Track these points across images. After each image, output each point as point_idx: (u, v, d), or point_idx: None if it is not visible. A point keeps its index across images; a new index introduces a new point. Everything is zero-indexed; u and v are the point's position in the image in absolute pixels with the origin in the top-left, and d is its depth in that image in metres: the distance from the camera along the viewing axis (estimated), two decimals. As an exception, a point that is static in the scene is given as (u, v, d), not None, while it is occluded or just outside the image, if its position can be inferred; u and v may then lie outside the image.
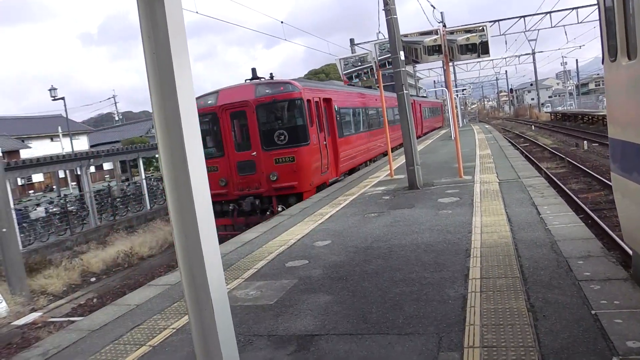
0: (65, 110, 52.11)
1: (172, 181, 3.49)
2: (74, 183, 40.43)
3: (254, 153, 16.71)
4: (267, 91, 16.74)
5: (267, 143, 16.65)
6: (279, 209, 16.28)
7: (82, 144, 61.19)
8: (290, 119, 16.83)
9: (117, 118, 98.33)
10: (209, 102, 17.23)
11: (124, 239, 22.66)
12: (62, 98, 48.77)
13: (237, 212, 16.93)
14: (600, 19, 6.60)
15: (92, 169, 43.76)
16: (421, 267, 7.57)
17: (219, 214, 16.73)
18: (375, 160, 26.75)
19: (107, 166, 59.45)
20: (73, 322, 9.47)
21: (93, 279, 18.04)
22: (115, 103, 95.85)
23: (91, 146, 61.92)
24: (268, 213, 16.44)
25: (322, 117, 18.65)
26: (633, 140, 5.56)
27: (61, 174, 41.86)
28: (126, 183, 34.31)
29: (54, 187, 37.76)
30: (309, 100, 17.23)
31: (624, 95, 5.98)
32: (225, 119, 16.86)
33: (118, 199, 29.41)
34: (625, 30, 5.60)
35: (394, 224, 10.72)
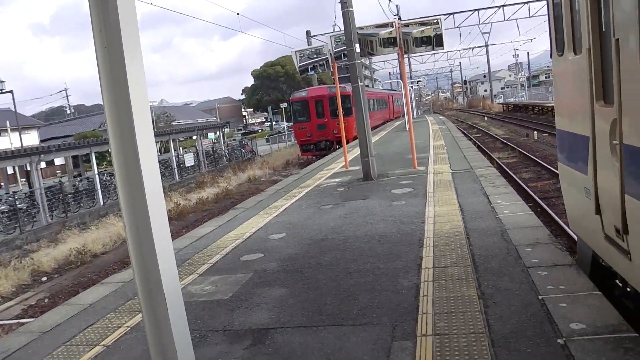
0: (14, 104, 50.63)
1: (124, 176, 3.45)
2: (24, 179, 39.40)
3: (326, 120, 33.44)
4: (332, 90, 27.20)
5: (332, 115, 31.59)
6: (337, 146, 31.15)
7: (32, 138, 59.55)
8: (343, 104, 24.20)
9: (69, 112, 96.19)
10: (303, 94, 35.68)
11: (76, 236, 22.17)
12: (11, 91, 47.47)
13: (315, 148, 34.11)
14: (548, 14, 6.75)
15: (43, 164, 42.71)
16: (375, 257, 7.64)
17: (307, 150, 35.14)
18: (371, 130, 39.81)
19: (58, 161, 58.23)
20: (23, 324, 9.28)
21: (44, 279, 17.61)
22: (67, 96, 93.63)
23: (42, 141, 60.34)
24: (331, 149, 31.91)
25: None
26: (578, 131, 5.72)
27: (10, 170, 40.74)
28: (78, 178, 33.58)
29: (2, 184, 36.69)
30: (350, 95, 24.88)
31: (570, 88, 6.14)
32: (312, 103, 33.29)
33: (70, 195, 28.77)
34: (571, 26, 5.74)
35: (349, 215, 10.79)
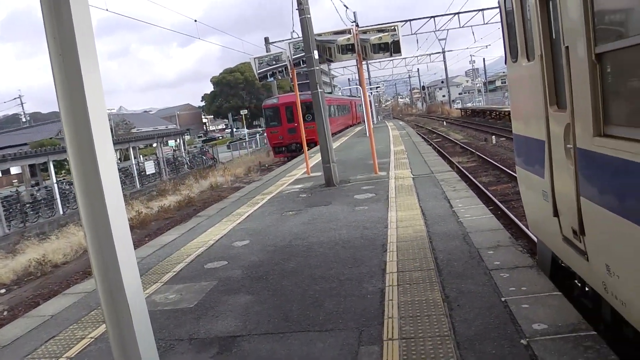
0: (-35, 113, 49.26)
1: (83, 185, 3.40)
2: (-22, 190, 38.39)
3: (296, 124, 31.61)
4: (305, 100, 27.10)
5: (306, 119, 29.53)
6: (312, 146, 31.39)
7: (-16, 147, 58.17)
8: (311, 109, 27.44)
9: (24, 119, 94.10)
10: (274, 101, 39.26)
11: (36, 246, 21.67)
12: (-39, 100, 46.27)
13: (287, 150, 36.78)
14: (502, 22, 6.91)
15: (-2, 173, 41.69)
16: (340, 263, 7.69)
17: (279, 152, 38.32)
18: (335, 134, 44.12)
19: (14, 170, 56.83)
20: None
21: (2, 291, 17.19)
22: (22, 103, 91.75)
23: (-4, 150, 58.95)
24: (301, 150, 29.69)
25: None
26: (534, 136, 5.86)
27: (-37, 181, 39.71)
28: (36, 188, 32.86)
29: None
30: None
31: (525, 94, 6.29)
32: (282, 109, 35.58)
33: (28, 205, 28.14)
34: (524, 33, 5.89)
35: (312, 221, 10.83)
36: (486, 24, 48.23)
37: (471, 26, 51.18)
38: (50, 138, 62.27)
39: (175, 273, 8.35)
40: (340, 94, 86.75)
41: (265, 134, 48.04)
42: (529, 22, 5.68)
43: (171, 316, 6.46)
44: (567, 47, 4.48)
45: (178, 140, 55.76)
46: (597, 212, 4.21)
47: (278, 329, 5.67)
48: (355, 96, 73.37)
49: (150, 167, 40.61)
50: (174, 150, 53.05)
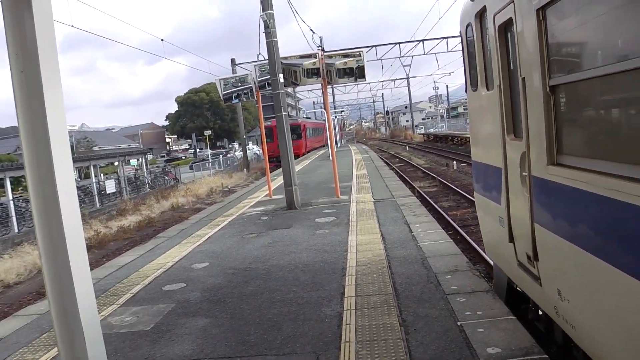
0: None
1: (40, 202, 3.35)
2: None
3: None
4: (291, 123, 30.75)
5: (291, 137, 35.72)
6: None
7: (-61, 163, 56.59)
8: (297, 131, 46.88)
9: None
10: (269, 124, 37.73)
11: (-14, 265, 21.13)
12: None
13: (276, 160, 34.07)
14: (463, 52, 7.07)
15: (-48, 190, 40.53)
16: (299, 287, 7.68)
17: (271, 161, 33.73)
18: (310, 150, 56.28)
19: (-32, 187, 55.45)
20: None
21: (-51, 312, 16.70)
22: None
23: (-50, 166, 57.38)
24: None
25: (305, 131, 52.60)
26: (491, 162, 6.00)
27: None
28: (-9, 205, 32.04)
29: None
30: (303, 125, 53.32)
31: (484, 122, 6.43)
32: (274, 130, 30.55)
33: (-19, 223, 27.46)
34: (483, 63, 6.05)
35: (273, 244, 10.81)
36: (450, 51, 49.05)
37: (435, 53, 52.04)
38: (8, 153, 61.00)
39: (132, 295, 8.23)
40: (304, 116, 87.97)
41: (227, 155, 60.93)
42: (488, 53, 5.84)
43: (127, 339, 6.36)
44: (523, 79, 4.62)
45: (140, 159, 55.11)
46: (549, 239, 4.32)
47: (235, 353, 5.63)
48: (319, 119, 74.93)
49: (110, 186, 40.01)
50: (136, 170, 52.40)
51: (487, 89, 5.96)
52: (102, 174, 47.76)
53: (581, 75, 3.80)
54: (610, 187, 3.24)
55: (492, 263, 7.71)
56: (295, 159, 40.44)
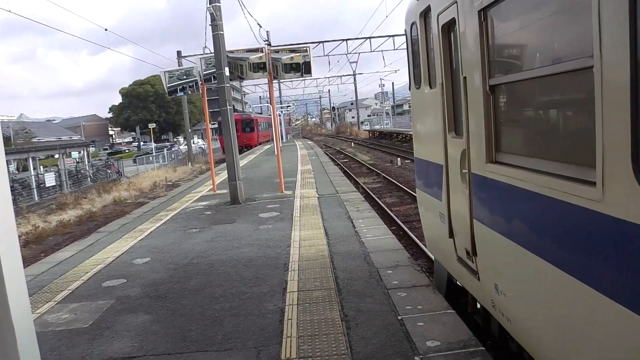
0: None
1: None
2: None
3: (238, 134, 31.40)
4: (243, 116, 59.37)
5: (245, 130, 54.54)
6: (245, 149, 49.26)
7: None
8: (250, 125, 57.67)
9: None
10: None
11: None
12: None
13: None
14: (407, 50, 7.15)
15: None
16: (241, 282, 7.65)
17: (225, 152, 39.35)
18: (262, 142, 61.78)
19: None
20: None
21: None
22: None
23: None
24: (241, 151, 38.65)
25: (257, 125, 59.18)
26: (433, 159, 6.10)
27: None
28: None
29: None
30: (255, 120, 60.08)
31: (426, 119, 6.53)
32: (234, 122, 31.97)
33: None
34: (427, 61, 6.13)
35: (215, 239, 10.73)
36: (396, 49, 49.50)
37: (382, 51, 52.46)
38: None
39: (70, 291, 8.03)
40: (251, 110, 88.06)
41: (172, 149, 63.48)
42: (432, 52, 5.92)
43: (64, 337, 6.19)
44: (464, 78, 4.71)
45: (82, 151, 53.92)
46: (487, 235, 4.42)
47: (176, 349, 5.57)
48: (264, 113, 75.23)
49: (50, 179, 38.99)
50: (77, 162, 51.24)
51: (430, 87, 6.05)
52: (41, 167, 46.56)
53: (519, 76, 3.90)
54: (543, 185, 3.34)
55: (433, 258, 7.84)
56: (249, 149, 52.17)
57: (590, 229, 2.88)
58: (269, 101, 68.53)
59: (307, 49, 16.50)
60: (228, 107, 15.65)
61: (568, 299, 3.18)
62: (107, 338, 6.04)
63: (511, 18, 4.00)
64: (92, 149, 66.95)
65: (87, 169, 48.28)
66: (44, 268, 9.74)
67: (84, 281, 8.52)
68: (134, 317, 6.63)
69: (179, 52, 49.34)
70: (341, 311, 6.14)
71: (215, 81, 16.25)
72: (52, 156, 54.16)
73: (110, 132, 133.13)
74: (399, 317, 5.79)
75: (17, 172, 45.55)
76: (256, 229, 11.35)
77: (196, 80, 17.61)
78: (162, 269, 8.77)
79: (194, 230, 11.98)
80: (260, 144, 60.11)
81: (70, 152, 52.61)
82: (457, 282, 6.11)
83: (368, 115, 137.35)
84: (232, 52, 16.12)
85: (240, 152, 50.58)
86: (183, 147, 66.58)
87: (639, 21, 2.35)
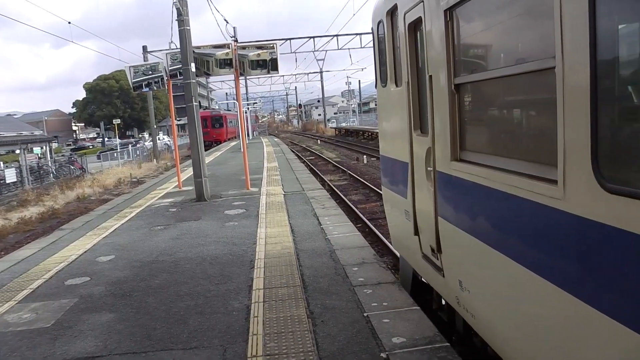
0: None
1: None
2: None
3: (208, 129, 53.13)
4: (213, 113, 63.82)
5: (215, 126, 60.37)
6: (214, 144, 56.44)
7: None
8: (219, 121, 61.66)
9: None
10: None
11: None
12: None
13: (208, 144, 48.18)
14: (374, 48, 7.18)
15: None
16: (207, 279, 7.61)
17: (207, 146, 41.57)
18: (230, 138, 64.78)
19: None
20: None
21: None
22: None
23: None
24: (212, 145, 53.87)
25: (226, 121, 62.85)
26: (398, 157, 6.14)
27: None
28: None
29: None
30: (224, 116, 62.80)
31: (392, 117, 6.58)
32: (203, 119, 40.97)
33: None
34: (393, 60, 6.17)
35: (181, 236, 10.65)
36: (363, 47, 49.61)
37: (349, 49, 52.51)
38: None
39: (31, 290, 7.89)
40: (217, 107, 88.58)
41: (137, 145, 64.19)
42: (398, 50, 5.96)
43: (25, 337, 6.06)
44: (430, 76, 4.75)
45: (44, 147, 52.97)
46: (452, 232, 4.48)
47: (140, 348, 5.51)
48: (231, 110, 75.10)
49: (11, 175, 38.19)
50: (39, 158, 50.30)
51: (396, 85, 6.09)
52: (1, 162, 45.61)
53: (483, 75, 3.95)
54: (507, 183, 3.39)
55: (398, 255, 7.91)
56: (218, 144, 57.42)
57: (551, 226, 2.94)
58: (235, 98, 68.49)
59: (274, 45, 16.50)
60: (194, 103, 15.53)
61: (530, 295, 3.24)
62: (69, 337, 5.95)
63: (476, 18, 4.05)
64: (54, 145, 65.82)
65: (50, 165, 47.44)
66: (4, 267, 9.55)
67: (45, 280, 8.38)
68: (98, 316, 6.54)
69: (144, 47, 48.68)
70: (307, 308, 6.15)
71: (182, 77, 16.10)
72: (13, 152, 53.12)
73: (74, 128, 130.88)
74: (365, 314, 5.83)
75: (-25, 167, 44.50)
76: (222, 226, 11.30)
77: (162, 75, 17.43)
78: (126, 267, 8.67)
79: (159, 227, 11.87)
80: (229, 139, 64.05)
81: (32, 148, 51.67)
82: (422, 279, 6.17)
83: (335, 113, 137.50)
84: (198, 47, 16.03)
85: (210, 146, 55.46)
86: (148, 144, 65.84)
87: (599, 24, 2.41)
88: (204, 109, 76.26)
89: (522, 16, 3.43)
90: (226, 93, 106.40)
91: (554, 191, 2.81)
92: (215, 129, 60.68)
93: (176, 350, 5.40)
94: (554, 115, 2.77)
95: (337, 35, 50.27)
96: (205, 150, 47.36)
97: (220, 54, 16.04)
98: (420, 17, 4.94)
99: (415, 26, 5.29)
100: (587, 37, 2.45)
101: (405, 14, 5.41)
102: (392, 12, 6.06)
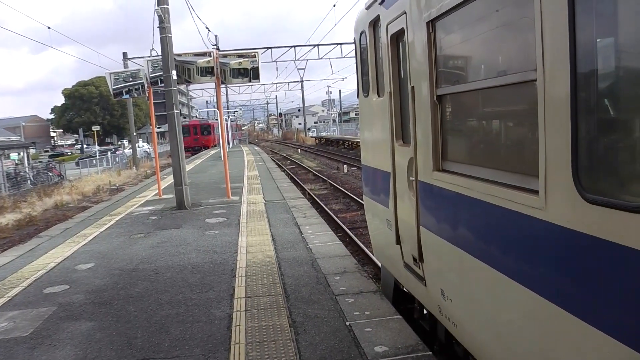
0: None
1: None
2: None
3: (197, 136, 67.45)
4: (203, 123, 71.39)
5: (204, 133, 68.91)
6: (203, 149, 63.96)
7: None
8: (208, 129, 69.61)
9: None
10: (186, 123, 67.75)
11: None
12: None
13: (192, 150, 59.65)
14: (356, 58, 7.24)
15: None
16: (188, 288, 7.58)
17: (187, 150, 45.35)
18: (214, 146, 66.09)
19: None
20: None
21: None
22: None
23: None
24: (199, 151, 61.20)
25: (213, 129, 68.33)
26: (380, 167, 6.18)
27: None
28: None
29: None
30: (212, 125, 69.12)
31: (374, 127, 6.62)
32: (191, 128, 66.18)
33: None
34: (376, 70, 6.22)
35: (161, 244, 10.59)
36: (344, 57, 49.83)
37: (330, 58, 52.75)
38: None
39: (9, 299, 7.79)
40: (197, 115, 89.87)
41: (116, 152, 66.71)
42: (380, 60, 6.01)
43: (1, 347, 6.00)
44: (412, 87, 4.79)
45: (22, 153, 52.38)
46: (433, 241, 4.52)
47: (121, 357, 5.48)
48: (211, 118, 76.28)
49: (-14, 182, 37.69)
50: (16, 164, 49.70)
51: (378, 96, 6.13)
52: (-23, 169, 44.94)
53: (465, 87, 4.00)
54: (488, 193, 3.44)
55: (380, 265, 7.94)
56: (206, 149, 64.39)
57: (532, 236, 2.98)
58: (215, 106, 68.52)
59: (256, 54, 16.51)
60: (175, 110, 15.48)
61: (512, 304, 3.28)
62: (48, 347, 5.90)
63: (459, 31, 4.10)
64: (32, 151, 65.09)
65: (27, 171, 46.84)
66: (-19, 274, 9.42)
67: (23, 287, 8.29)
68: (77, 325, 6.48)
69: (124, 54, 48.37)
70: (289, 317, 6.15)
71: (162, 84, 16.05)
72: (-10, 158, 52.44)
73: (52, 134, 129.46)
74: (347, 323, 5.84)
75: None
76: (203, 235, 11.26)
77: (142, 82, 17.35)
78: (106, 275, 8.60)
79: (139, 235, 11.79)
80: (215, 145, 69.88)
81: (8, 154, 51.07)
82: (404, 289, 6.20)
83: (315, 122, 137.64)
84: (179, 55, 15.98)
85: (199, 151, 63.00)
86: (128, 151, 65.43)
87: (579, 38, 2.46)
88: (184, 117, 79.29)
89: (504, 29, 3.48)
90: (207, 101, 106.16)
91: (536, 201, 2.86)
92: (204, 135, 69.46)
93: (157, 359, 5.37)
94: (536, 127, 2.81)
95: (318, 45, 50.49)
96: (195, 154, 53.51)
97: (201, 61, 16.00)
98: (402, 29, 4.99)
99: (398, 37, 5.34)
100: (567, 50, 2.50)
101: (387, 25, 5.46)
102: (375, 23, 6.11)
